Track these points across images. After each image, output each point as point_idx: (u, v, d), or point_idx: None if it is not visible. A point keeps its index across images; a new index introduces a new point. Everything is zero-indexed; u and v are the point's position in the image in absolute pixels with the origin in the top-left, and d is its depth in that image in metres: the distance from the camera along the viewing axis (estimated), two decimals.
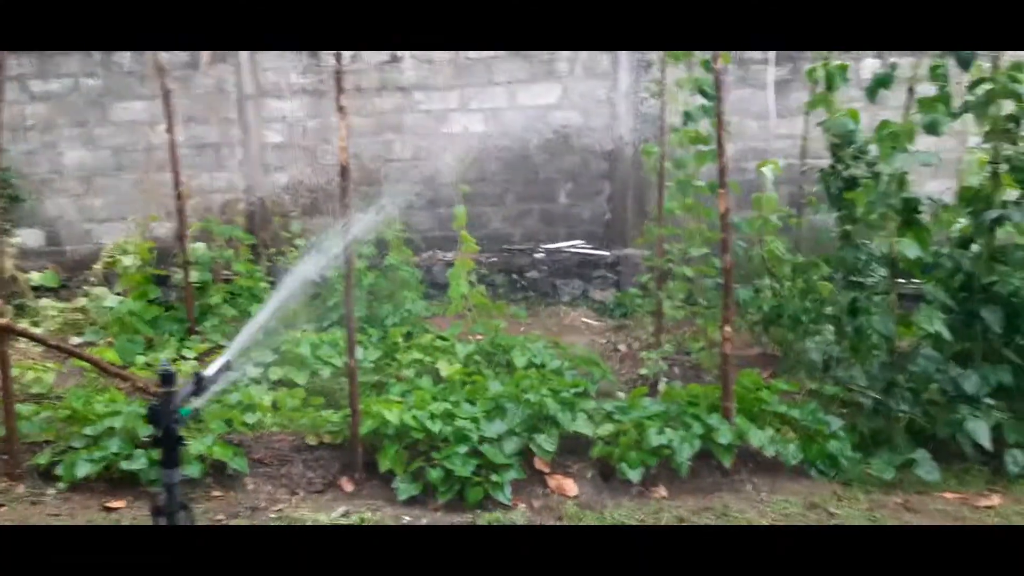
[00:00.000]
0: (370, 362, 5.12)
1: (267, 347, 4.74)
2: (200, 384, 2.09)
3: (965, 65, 3.87)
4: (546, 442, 4.06)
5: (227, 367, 2.19)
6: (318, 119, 7.91)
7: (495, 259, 7.92)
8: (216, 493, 3.86)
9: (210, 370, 2.13)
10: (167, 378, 2.03)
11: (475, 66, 7.96)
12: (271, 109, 7.93)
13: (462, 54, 7.92)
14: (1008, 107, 3.98)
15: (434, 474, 3.84)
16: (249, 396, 4.48)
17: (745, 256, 6.11)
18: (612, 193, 8.06)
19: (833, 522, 3.52)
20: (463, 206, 5.99)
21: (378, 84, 7.95)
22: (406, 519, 3.69)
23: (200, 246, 6.44)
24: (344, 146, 3.83)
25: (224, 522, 3.59)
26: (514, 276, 7.90)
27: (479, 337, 5.62)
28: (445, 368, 4.94)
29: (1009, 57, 3.94)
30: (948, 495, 3.74)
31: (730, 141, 7.36)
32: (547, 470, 4.06)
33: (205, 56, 7.76)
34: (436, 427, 3.99)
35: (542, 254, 7.98)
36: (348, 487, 3.98)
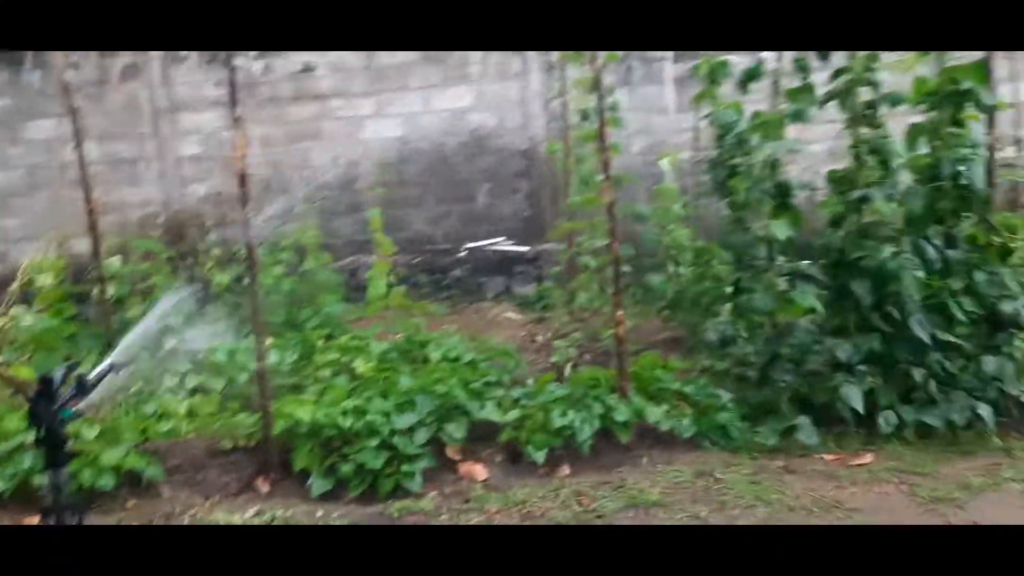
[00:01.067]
0: (288, 365, 5.22)
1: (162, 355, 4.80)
2: (82, 386, 2.21)
3: (824, 57, 4.18)
4: (455, 430, 4.24)
5: (111, 369, 2.31)
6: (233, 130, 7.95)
7: (418, 260, 8.09)
8: (131, 502, 3.95)
9: (93, 373, 2.26)
10: (46, 381, 2.15)
11: (389, 72, 8.12)
12: (186, 122, 7.98)
13: (375, 61, 8.07)
14: (866, 95, 4.29)
15: (346, 468, 3.99)
16: (164, 404, 4.56)
17: (654, 245, 6.40)
18: (530, 190, 8.29)
19: (720, 487, 3.77)
20: (378, 209, 6.14)
21: (293, 93, 8.06)
22: (319, 514, 3.82)
23: (116, 261, 6.45)
24: (242, 155, 3.95)
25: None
26: (438, 276, 8.07)
27: (398, 336, 5.77)
28: (361, 366, 5.08)
29: None
30: (827, 456, 4.03)
31: (622, 136, 7.66)
32: (458, 457, 4.23)
33: (116, 72, 7.76)
34: (348, 423, 4.13)
35: (464, 253, 8.17)
36: (264, 488, 4.10)
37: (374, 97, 8.15)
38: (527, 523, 3.60)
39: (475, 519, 3.67)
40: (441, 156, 8.23)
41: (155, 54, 7.79)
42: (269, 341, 5.31)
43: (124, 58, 7.79)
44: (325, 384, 4.90)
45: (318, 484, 4.00)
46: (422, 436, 4.16)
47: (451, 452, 4.25)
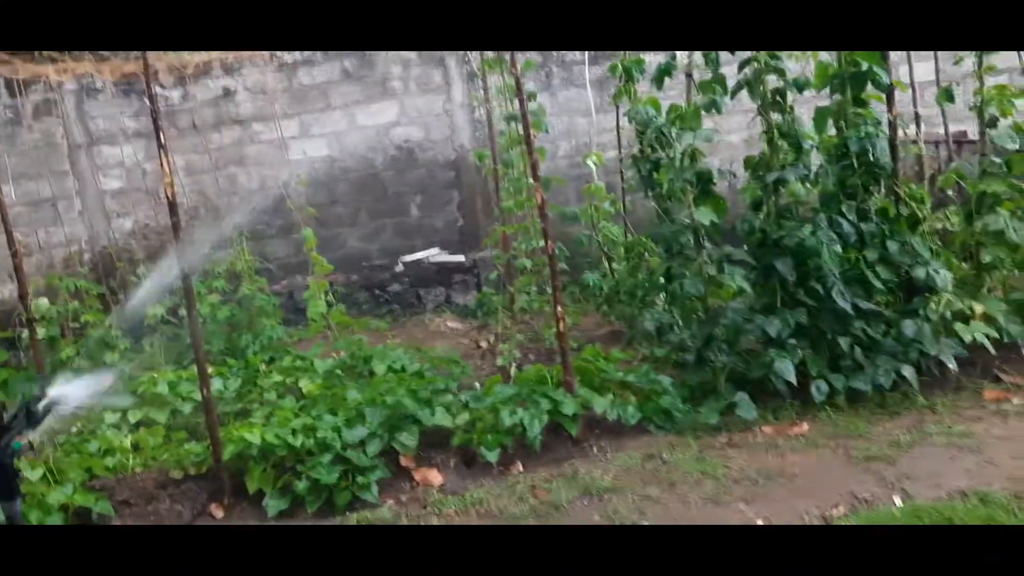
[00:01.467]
0: (232, 391, 5.20)
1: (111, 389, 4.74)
2: (31, 417, 2.20)
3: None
4: (407, 439, 4.28)
5: (56, 403, 2.31)
6: (156, 160, 7.84)
7: (356, 277, 8.08)
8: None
9: (40, 404, 2.25)
10: None
11: (311, 92, 8.12)
12: (106, 156, 7.83)
13: (295, 82, 8.06)
14: (773, 82, 4.50)
15: (301, 486, 4.00)
16: (107, 440, 4.49)
17: (588, 243, 6.55)
18: (461, 200, 8.37)
19: (668, 468, 3.90)
20: (310, 229, 6.14)
21: (214, 119, 7.99)
22: None
23: (44, 302, 6.31)
24: (169, 182, 3.94)
25: None
26: (377, 291, 8.07)
27: (341, 353, 5.78)
28: (306, 386, 5.08)
29: None
30: (766, 429, 4.20)
31: (547, 140, 7.83)
32: (412, 465, 4.28)
33: (28, 110, 7.58)
34: (298, 441, 4.15)
35: (401, 267, 8.19)
36: (218, 513, 4.08)
37: (297, 118, 8.13)
38: (488, 523, 3.67)
39: (434, 523, 3.72)
40: (370, 172, 8.26)
41: (69, 88, 7.63)
42: (211, 370, 5.28)
43: (35, 95, 7.61)
44: (272, 406, 4.89)
45: (273, 504, 4.01)
46: (375, 447, 4.20)
47: (405, 461, 4.29)
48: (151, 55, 4.11)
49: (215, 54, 7.81)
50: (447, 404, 4.54)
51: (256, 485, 4.08)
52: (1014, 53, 4.68)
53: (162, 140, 3.96)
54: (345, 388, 4.86)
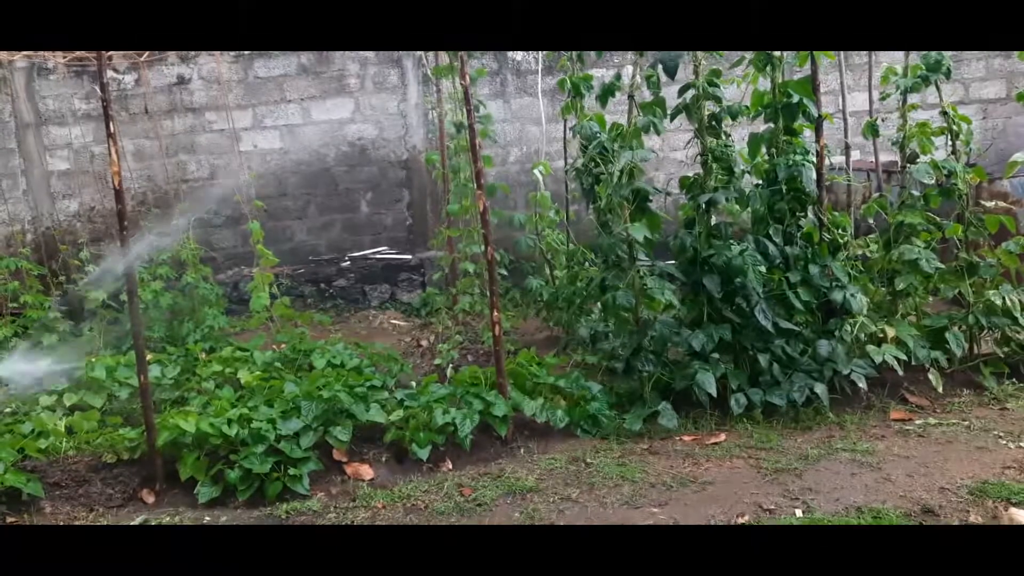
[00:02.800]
0: (170, 379, 5.24)
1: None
2: None
3: (671, 73, 4.57)
4: (341, 433, 4.38)
5: None
6: (106, 144, 7.81)
7: (302, 270, 8.14)
8: (11, 519, 3.92)
9: None
10: None
11: (266, 85, 8.15)
12: (54, 136, 7.76)
13: (251, 73, 8.09)
14: (711, 107, 4.71)
15: (233, 475, 4.08)
16: (41, 423, 4.51)
17: (531, 249, 6.71)
18: (411, 199, 8.48)
19: (590, 471, 4.08)
20: (258, 222, 6.20)
21: (168, 106, 7.97)
22: (206, 520, 3.91)
23: None
24: (116, 170, 3.99)
25: None
26: (322, 286, 8.14)
27: (282, 346, 5.85)
28: (245, 376, 5.15)
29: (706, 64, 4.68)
30: (685, 437, 4.41)
31: (498, 146, 7.99)
32: (344, 459, 4.39)
33: None
34: (233, 431, 4.22)
35: (348, 262, 8.27)
36: (149, 498, 4.14)
37: (251, 109, 8.16)
38: (415, 518, 3.79)
39: (361, 516, 3.84)
40: (322, 167, 8.32)
41: (20, 66, 7.55)
42: (150, 356, 5.32)
43: None
44: (209, 395, 4.95)
45: (204, 491, 4.08)
46: (308, 440, 4.29)
47: (338, 454, 4.39)
48: None
49: None
50: (382, 401, 4.66)
51: (188, 472, 4.15)
52: (936, 91, 4.94)
53: (111, 128, 4.01)
54: (283, 381, 4.94)
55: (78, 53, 6.94)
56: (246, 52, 8.05)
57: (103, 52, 4.07)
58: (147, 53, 7.64)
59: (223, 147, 8.08)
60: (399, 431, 4.45)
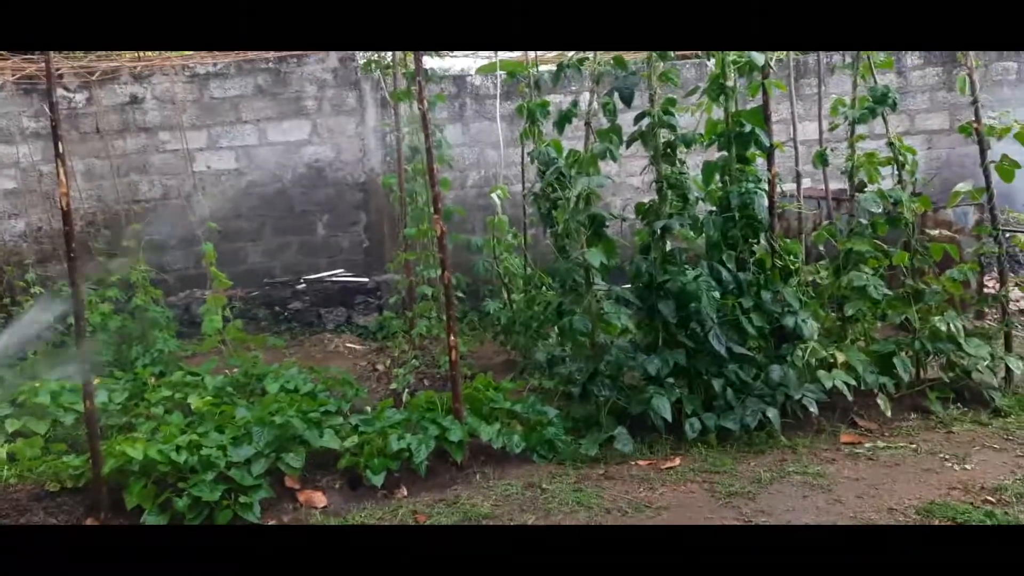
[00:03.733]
0: (117, 404, 5.11)
1: None
2: None
3: (627, 101, 4.64)
4: (293, 460, 4.32)
5: None
6: (54, 163, 7.65)
7: (256, 293, 8.03)
8: None
9: None
10: None
11: (222, 105, 8.07)
12: (1, 155, 7.58)
13: (207, 94, 8.01)
14: (666, 135, 4.79)
15: (181, 503, 3.98)
16: None
17: (489, 273, 6.72)
18: (368, 222, 8.44)
19: (546, 496, 4.07)
20: (211, 243, 6.11)
21: (120, 126, 7.85)
22: None
23: None
24: (65, 191, 3.91)
25: None
26: (277, 309, 8.03)
27: (234, 370, 5.76)
28: (195, 402, 5.05)
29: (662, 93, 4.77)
30: (641, 462, 4.43)
31: (456, 170, 8.03)
32: (297, 486, 4.32)
33: None
34: (182, 458, 4.13)
35: (304, 285, 8.18)
36: None
37: (205, 130, 8.07)
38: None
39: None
40: (278, 188, 8.25)
41: None
42: (97, 381, 5.19)
43: None
44: (158, 421, 4.84)
45: (151, 520, 3.98)
46: (260, 467, 4.22)
47: (290, 481, 4.32)
48: (56, 56, 4.07)
49: (125, 60, 7.70)
50: (336, 426, 4.60)
51: (135, 501, 4.03)
52: (883, 122, 5.08)
53: (60, 148, 3.93)
54: (235, 406, 4.85)
55: (27, 71, 6.80)
56: (201, 72, 7.97)
57: (52, 70, 3.99)
58: (100, 72, 7.52)
59: (176, 167, 7.97)
60: (353, 457, 4.39)
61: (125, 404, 5.17)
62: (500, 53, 6.96)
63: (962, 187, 5.10)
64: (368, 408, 5.09)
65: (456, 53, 8.01)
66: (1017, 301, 6.65)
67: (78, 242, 4.13)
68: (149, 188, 7.97)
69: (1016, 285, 5.53)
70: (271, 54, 8.02)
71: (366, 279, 8.22)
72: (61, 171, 3.91)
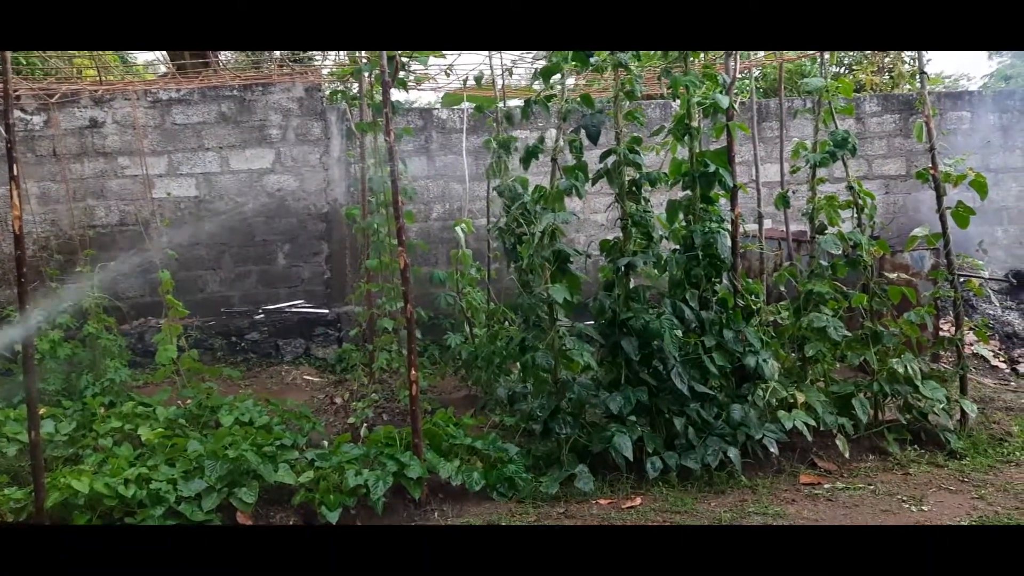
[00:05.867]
0: (64, 435, 4.94)
1: None
2: None
3: (594, 139, 4.67)
4: (246, 495, 4.20)
5: None
6: (5, 186, 7.46)
7: (213, 322, 7.87)
8: None
9: None
10: None
11: (184, 131, 7.98)
12: None
13: (168, 120, 7.91)
14: (631, 174, 4.82)
15: None
16: None
17: (452, 307, 6.67)
18: (330, 253, 8.36)
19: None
20: (167, 271, 5.99)
21: (78, 149, 7.71)
22: None
23: None
24: (18, 215, 3.80)
25: None
26: (234, 339, 7.87)
27: (188, 401, 5.61)
28: (146, 433, 4.90)
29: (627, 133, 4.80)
30: (601, 501, 4.38)
31: (420, 203, 8.01)
32: (249, 522, 4.19)
33: None
34: (130, 492, 4.00)
35: (262, 315, 8.05)
36: None
37: (166, 156, 7.96)
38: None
39: None
40: (239, 217, 8.14)
41: None
42: (43, 410, 5.02)
43: None
44: (106, 453, 4.69)
45: None
46: (211, 502, 4.10)
47: (242, 517, 4.20)
48: (15, 77, 3.97)
49: (86, 84, 7.58)
50: (292, 461, 4.50)
51: None
52: (843, 166, 5.18)
53: (15, 171, 3.82)
54: (187, 438, 4.72)
55: None
56: (164, 97, 7.88)
57: (10, 91, 3.90)
58: (59, 94, 7.39)
59: (135, 193, 7.83)
60: (308, 493, 4.28)
61: (72, 435, 5.00)
62: (468, 83, 6.97)
63: (919, 232, 5.20)
64: (325, 442, 4.99)
65: (424, 86, 8.03)
66: (971, 345, 6.77)
67: (30, 267, 4.01)
68: (106, 214, 7.81)
69: (971, 329, 5.62)
70: (236, 81, 7.96)
71: (326, 310, 8.11)
72: (15, 194, 3.80)
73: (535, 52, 7.89)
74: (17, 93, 7.15)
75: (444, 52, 5.41)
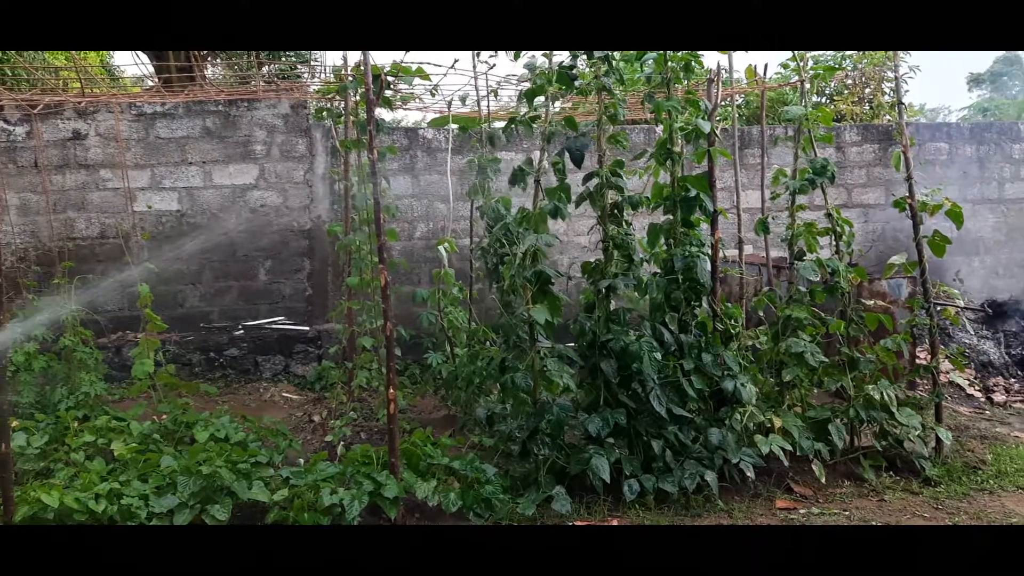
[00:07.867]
0: (35, 448, 4.87)
1: None
2: None
3: (578, 162, 4.70)
4: (219, 512, 4.15)
5: None
6: None
7: (192, 337, 7.81)
8: None
9: None
10: None
11: (167, 145, 7.96)
12: None
13: (152, 133, 7.89)
14: (613, 196, 4.85)
15: None
16: None
17: (433, 326, 6.65)
18: (312, 270, 8.33)
19: None
20: (146, 285, 5.94)
21: (60, 161, 7.67)
22: None
23: None
24: None
25: None
26: (212, 354, 7.82)
27: (163, 416, 5.55)
28: (119, 448, 4.84)
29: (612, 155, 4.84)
30: (578, 523, 4.36)
31: (404, 222, 8.01)
32: None
33: None
34: (101, 507, 3.95)
35: (241, 331, 8.00)
36: None
37: (149, 169, 7.93)
38: None
39: None
40: (221, 232, 8.10)
41: None
42: (15, 423, 4.96)
43: None
44: (78, 468, 4.63)
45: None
46: (183, 518, 4.06)
47: None
48: None
49: (70, 95, 7.55)
50: (267, 478, 4.45)
51: None
52: (823, 194, 5.24)
53: None
54: (160, 453, 4.66)
55: None
56: (148, 111, 7.87)
57: None
58: (42, 105, 7.36)
59: (116, 206, 7.79)
60: (282, 511, 4.24)
61: (44, 448, 4.94)
62: (452, 106, 7.01)
63: (896, 260, 5.26)
64: (301, 460, 4.94)
65: (409, 106, 8.06)
66: (947, 373, 6.84)
67: (7, 278, 3.96)
68: (86, 226, 7.76)
69: (947, 358, 5.67)
70: (222, 96, 7.96)
71: (306, 328, 8.07)
72: None
73: (520, 75, 7.95)
74: (0, 103, 7.11)
75: (429, 74, 5.43)
